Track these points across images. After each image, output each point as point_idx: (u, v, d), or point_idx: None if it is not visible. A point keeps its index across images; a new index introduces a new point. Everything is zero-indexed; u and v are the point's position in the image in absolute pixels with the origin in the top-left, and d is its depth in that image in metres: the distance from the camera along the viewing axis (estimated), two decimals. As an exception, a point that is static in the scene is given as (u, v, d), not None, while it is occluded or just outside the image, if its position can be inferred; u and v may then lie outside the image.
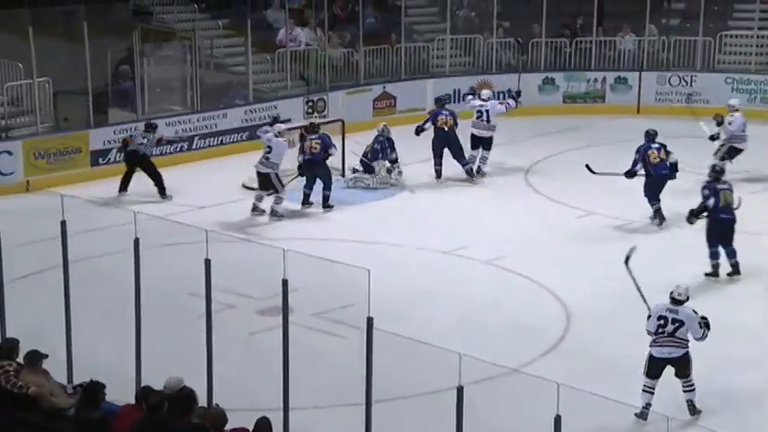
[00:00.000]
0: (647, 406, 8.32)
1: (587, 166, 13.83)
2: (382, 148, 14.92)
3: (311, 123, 14.80)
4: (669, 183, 13.16)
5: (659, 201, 13.04)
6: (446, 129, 15.23)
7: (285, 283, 6.87)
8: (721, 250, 11.37)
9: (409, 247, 12.36)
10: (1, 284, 8.30)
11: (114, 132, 15.54)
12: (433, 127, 15.25)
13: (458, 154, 15.29)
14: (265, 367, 8.16)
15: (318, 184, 13.83)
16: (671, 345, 8.36)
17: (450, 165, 15.20)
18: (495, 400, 8.20)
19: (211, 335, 7.39)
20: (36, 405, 7.19)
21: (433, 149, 15.32)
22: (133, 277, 7.68)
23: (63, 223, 7.89)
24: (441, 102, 15.83)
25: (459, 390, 6.06)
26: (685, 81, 18.78)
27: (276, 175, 13.46)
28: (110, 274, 10.30)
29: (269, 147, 13.50)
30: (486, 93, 15.87)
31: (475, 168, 15.29)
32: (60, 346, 7.95)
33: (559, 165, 15.78)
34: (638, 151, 13.27)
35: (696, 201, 11.62)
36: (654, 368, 8.40)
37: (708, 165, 12.47)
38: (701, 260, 11.34)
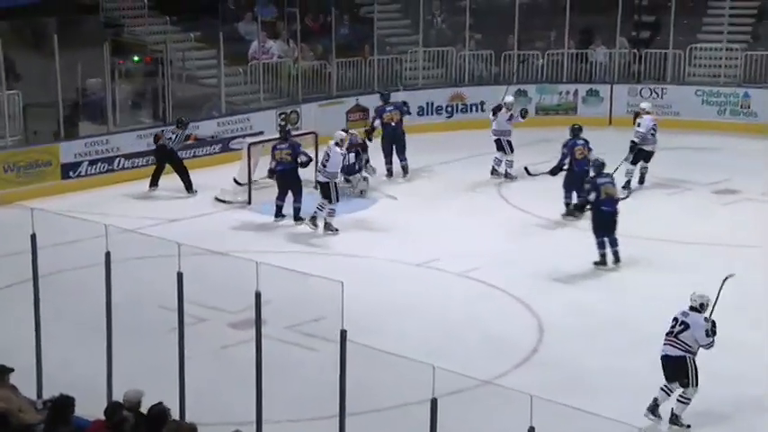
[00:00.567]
0: (655, 400, 8.51)
1: (526, 168, 14.41)
2: (357, 157, 14.92)
3: (285, 120, 15.02)
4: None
5: (572, 198, 13.51)
6: (393, 124, 15.54)
7: (258, 295, 6.86)
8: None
9: (382, 259, 12.37)
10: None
11: (85, 145, 15.47)
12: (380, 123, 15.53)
13: (401, 150, 15.55)
14: (238, 381, 8.12)
15: (291, 197, 13.82)
16: (670, 344, 8.56)
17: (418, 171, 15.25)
18: (469, 412, 8.22)
19: (183, 348, 7.36)
20: (4, 421, 7.11)
21: (382, 148, 15.49)
22: (104, 291, 7.64)
23: (33, 237, 7.84)
24: (384, 97, 15.98)
25: (433, 402, 6.07)
26: (656, 93, 18.96)
27: (335, 184, 13.46)
28: (81, 288, 10.23)
29: (327, 155, 13.51)
30: (509, 98, 15.99)
31: (503, 171, 15.58)
32: (30, 361, 7.88)
33: (532, 177, 15.84)
34: (565, 146, 13.87)
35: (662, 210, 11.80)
36: (663, 368, 8.58)
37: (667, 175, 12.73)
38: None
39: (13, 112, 15.35)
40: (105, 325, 7.68)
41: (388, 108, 15.68)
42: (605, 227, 11.99)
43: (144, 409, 6.84)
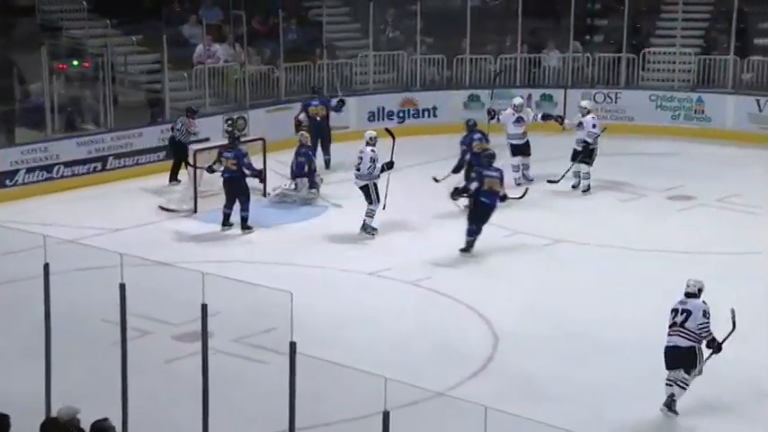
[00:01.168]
0: (671, 396, 8.68)
1: (434, 178, 14.77)
2: (308, 160, 14.93)
3: (232, 126, 15.09)
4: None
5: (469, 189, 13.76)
6: (318, 119, 16.12)
7: (204, 307, 6.82)
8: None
9: (333, 268, 12.36)
10: None
11: (22, 153, 15.26)
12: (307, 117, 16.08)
13: (325, 145, 16.18)
14: (183, 396, 8.07)
15: (240, 205, 13.76)
16: (677, 335, 8.71)
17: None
18: (422, 425, 8.23)
19: (126, 363, 7.29)
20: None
21: (311, 142, 15.64)
22: (43, 303, 7.54)
23: (-33, 248, 7.73)
24: (316, 90, 16.83)
25: (385, 415, 6.07)
26: (610, 98, 19.20)
27: (375, 185, 13.52)
28: (18, 301, 10.09)
29: (360, 158, 13.60)
30: (518, 100, 16.20)
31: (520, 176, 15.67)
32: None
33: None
34: (463, 143, 14.60)
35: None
36: (666, 359, 8.78)
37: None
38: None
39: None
40: (44, 339, 7.57)
41: (313, 102, 16.41)
42: (480, 218, 12.73)
43: (86, 426, 6.75)
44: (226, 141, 14.33)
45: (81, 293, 10.27)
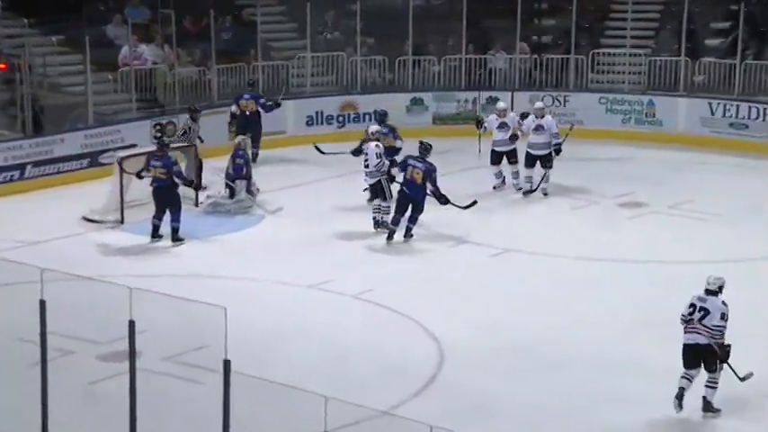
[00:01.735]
0: (681, 390, 8.83)
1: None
2: (246, 162, 14.86)
3: (161, 131, 15.76)
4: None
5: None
6: (247, 113, 16.82)
7: (132, 324, 6.76)
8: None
9: (270, 281, 12.30)
10: None
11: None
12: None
13: (255, 139, 16.67)
14: (109, 419, 7.95)
15: (170, 215, 13.63)
16: (696, 332, 8.87)
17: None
18: (366, 445, 8.21)
19: (47, 385, 7.20)
20: None
21: (236, 135, 15.90)
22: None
23: None
24: (249, 83, 17.62)
25: (326, 436, 6.05)
26: (558, 101, 19.40)
27: (386, 180, 13.87)
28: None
29: (365, 155, 13.92)
30: (501, 104, 16.35)
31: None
32: None
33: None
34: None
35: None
36: (685, 356, 8.94)
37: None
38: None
39: None
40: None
41: (245, 96, 17.10)
42: (401, 207, 13.46)
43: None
44: (154, 148, 14.18)
45: (-3, 311, 10.09)
